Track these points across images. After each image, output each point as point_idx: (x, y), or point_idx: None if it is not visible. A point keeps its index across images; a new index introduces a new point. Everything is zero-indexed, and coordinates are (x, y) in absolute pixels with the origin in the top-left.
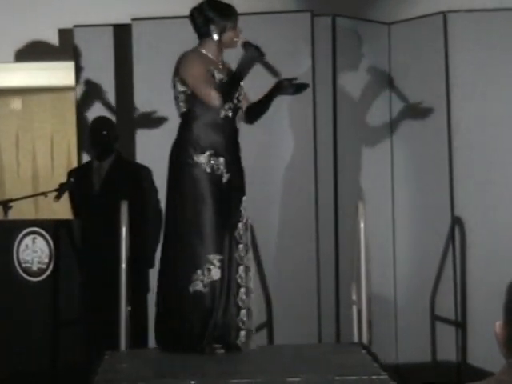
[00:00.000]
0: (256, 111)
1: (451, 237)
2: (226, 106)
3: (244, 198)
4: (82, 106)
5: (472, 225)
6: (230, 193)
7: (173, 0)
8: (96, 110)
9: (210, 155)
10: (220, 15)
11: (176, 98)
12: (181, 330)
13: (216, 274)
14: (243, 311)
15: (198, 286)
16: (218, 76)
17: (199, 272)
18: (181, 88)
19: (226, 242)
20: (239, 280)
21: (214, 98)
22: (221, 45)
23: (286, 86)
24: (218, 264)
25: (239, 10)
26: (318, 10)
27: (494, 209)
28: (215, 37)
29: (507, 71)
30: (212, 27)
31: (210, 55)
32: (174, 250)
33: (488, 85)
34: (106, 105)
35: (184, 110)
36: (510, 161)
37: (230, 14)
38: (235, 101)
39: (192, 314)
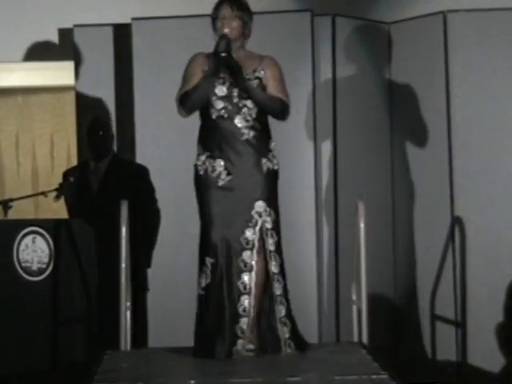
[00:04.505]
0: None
1: (451, 237)
2: (219, 107)
3: (258, 203)
4: (81, 105)
5: (472, 225)
6: (229, 196)
7: (173, 0)
8: (96, 110)
9: (206, 157)
10: (214, 7)
11: None
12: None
13: (207, 278)
14: (244, 319)
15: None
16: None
17: (202, 275)
18: None
19: (222, 246)
20: (241, 287)
21: (178, 106)
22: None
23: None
24: (210, 268)
25: None
26: (317, 10)
27: (494, 209)
28: (214, 32)
29: (507, 71)
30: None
31: None
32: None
33: (488, 85)
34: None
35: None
36: (510, 161)
37: (217, 4)
38: (235, 99)
39: (197, 317)
